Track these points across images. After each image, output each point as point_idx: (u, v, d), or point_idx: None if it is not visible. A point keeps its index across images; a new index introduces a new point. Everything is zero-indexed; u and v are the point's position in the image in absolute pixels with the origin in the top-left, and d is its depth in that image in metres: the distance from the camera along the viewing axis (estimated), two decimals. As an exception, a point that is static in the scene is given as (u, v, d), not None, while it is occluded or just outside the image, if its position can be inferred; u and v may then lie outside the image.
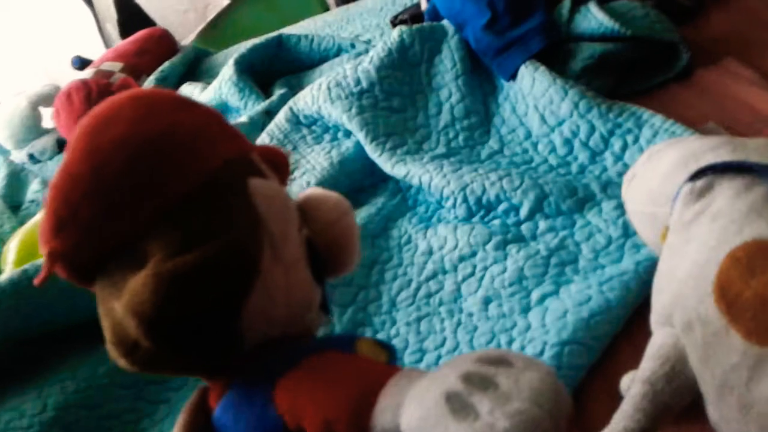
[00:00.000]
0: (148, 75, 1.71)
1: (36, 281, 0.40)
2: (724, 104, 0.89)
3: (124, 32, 2.42)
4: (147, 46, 1.82)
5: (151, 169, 0.41)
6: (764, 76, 0.90)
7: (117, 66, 1.71)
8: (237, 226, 0.40)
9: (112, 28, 2.57)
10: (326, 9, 2.15)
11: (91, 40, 2.62)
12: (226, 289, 0.39)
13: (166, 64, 1.72)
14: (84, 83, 1.57)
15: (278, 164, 0.49)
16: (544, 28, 0.99)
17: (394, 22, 1.31)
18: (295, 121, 1.07)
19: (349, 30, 1.56)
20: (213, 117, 0.46)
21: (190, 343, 0.39)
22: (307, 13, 1.98)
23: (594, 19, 0.98)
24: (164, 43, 1.87)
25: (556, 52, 1.00)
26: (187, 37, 2.49)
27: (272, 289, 0.42)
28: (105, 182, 0.40)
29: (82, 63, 1.91)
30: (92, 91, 1.56)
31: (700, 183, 0.58)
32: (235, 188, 0.42)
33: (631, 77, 0.98)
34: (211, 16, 2.59)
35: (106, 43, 2.61)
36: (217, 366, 0.43)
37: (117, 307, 0.40)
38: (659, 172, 0.66)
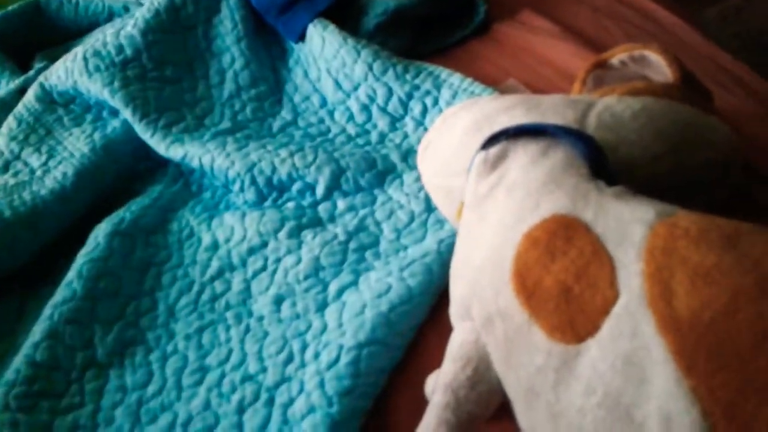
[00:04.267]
0: None
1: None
2: (524, 59, 0.83)
3: None
4: None
5: None
6: (562, 27, 0.86)
7: None
8: None
9: None
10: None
11: None
12: None
13: None
14: None
15: None
16: (332, -19, 0.88)
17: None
18: (48, 99, 0.89)
19: (129, -7, 1.37)
20: None
21: None
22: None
23: (385, -31, 0.89)
24: None
25: (346, 8, 0.90)
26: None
27: None
28: None
29: None
30: None
31: (493, 151, 0.51)
32: None
33: (429, 34, 0.91)
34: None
35: None
36: None
37: None
38: (453, 138, 0.58)
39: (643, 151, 0.50)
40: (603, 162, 0.48)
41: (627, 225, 0.40)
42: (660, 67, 0.60)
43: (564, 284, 0.40)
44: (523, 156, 0.48)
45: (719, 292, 0.35)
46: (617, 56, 0.63)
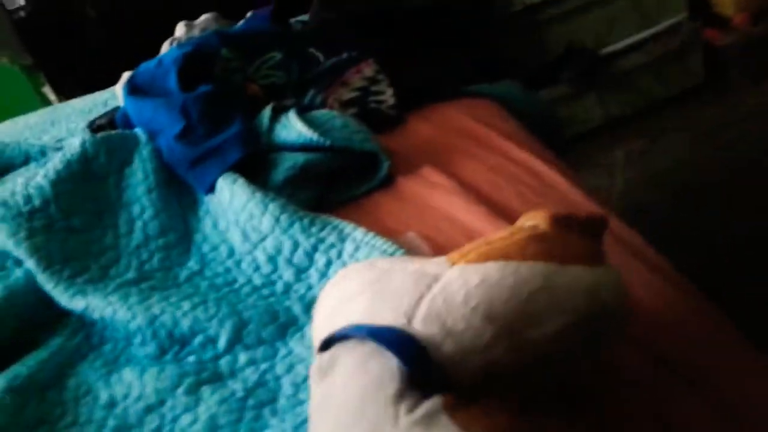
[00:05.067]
0: None
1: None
2: (424, 213, 0.88)
3: None
4: None
5: None
6: (459, 183, 0.92)
7: None
8: None
9: None
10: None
11: None
12: None
13: None
14: None
15: None
16: (242, 138, 0.93)
17: (93, 128, 1.18)
18: (-48, 250, 0.88)
19: (52, 133, 1.38)
20: None
21: None
22: (21, 111, 1.75)
23: (293, 128, 0.95)
24: None
25: (257, 163, 0.94)
26: None
27: None
28: None
29: None
30: None
31: (325, 357, 0.50)
32: None
33: (336, 186, 0.95)
34: None
35: None
36: None
37: None
38: (317, 321, 0.58)
39: (475, 338, 0.47)
40: (426, 362, 0.46)
41: None
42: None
43: None
44: (344, 368, 0.48)
45: None
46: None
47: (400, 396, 0.44)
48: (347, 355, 0.48)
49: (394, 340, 0.46)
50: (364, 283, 0.54)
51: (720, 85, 2.17)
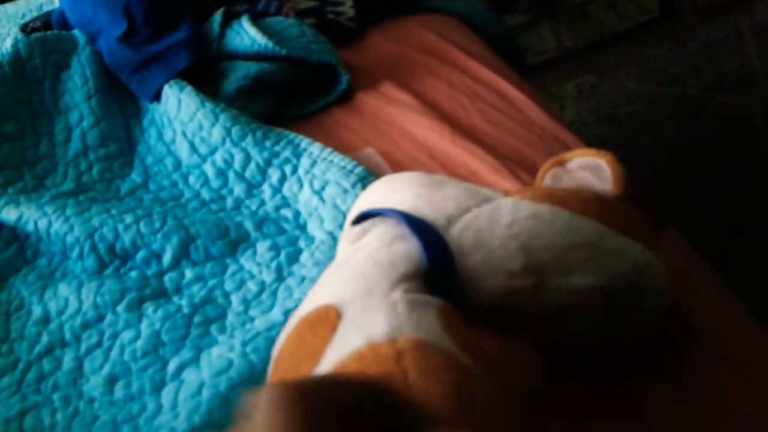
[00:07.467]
0: None
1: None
2: (383, 130, 0.85)
3: None
4: None
5: None
6: (420, 99, 0.88)
7: None
8: None
9: None
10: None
11: None
12: None
13: None
14: None
15: None
16: (190, 43, 0.86)
17: (26, 30, 1.09)
18: None
19: (-19, 39, 1.29)
20: None
21: None
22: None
23: (247, 35, 0.88)
24: None
25: (207, 71, 0.88)
26: None
27: None
28: None
29: None
30: None
31: (357, 228, 0.50)
32: None
33: (291, 100, 0.90)
34: None
35: None
36: None
37: None
38: (358, 206, 0.56)
39: (505, 260, 0.46)
40: (446, 264, 0.45)
41: (354, 334, 0.38)
42: (609, 178, 0.54)
43: (284, 374, 0.41)
44: (371, 241, 0.47)
45: None
46: (574, 160, 0.57)
47: (406, 279, 0.43)
48: (378, 230, 0.48)
49: (426, 232, 0.45)
50: (416, 184, 0.52)
51: (671, 21, 2.17)
